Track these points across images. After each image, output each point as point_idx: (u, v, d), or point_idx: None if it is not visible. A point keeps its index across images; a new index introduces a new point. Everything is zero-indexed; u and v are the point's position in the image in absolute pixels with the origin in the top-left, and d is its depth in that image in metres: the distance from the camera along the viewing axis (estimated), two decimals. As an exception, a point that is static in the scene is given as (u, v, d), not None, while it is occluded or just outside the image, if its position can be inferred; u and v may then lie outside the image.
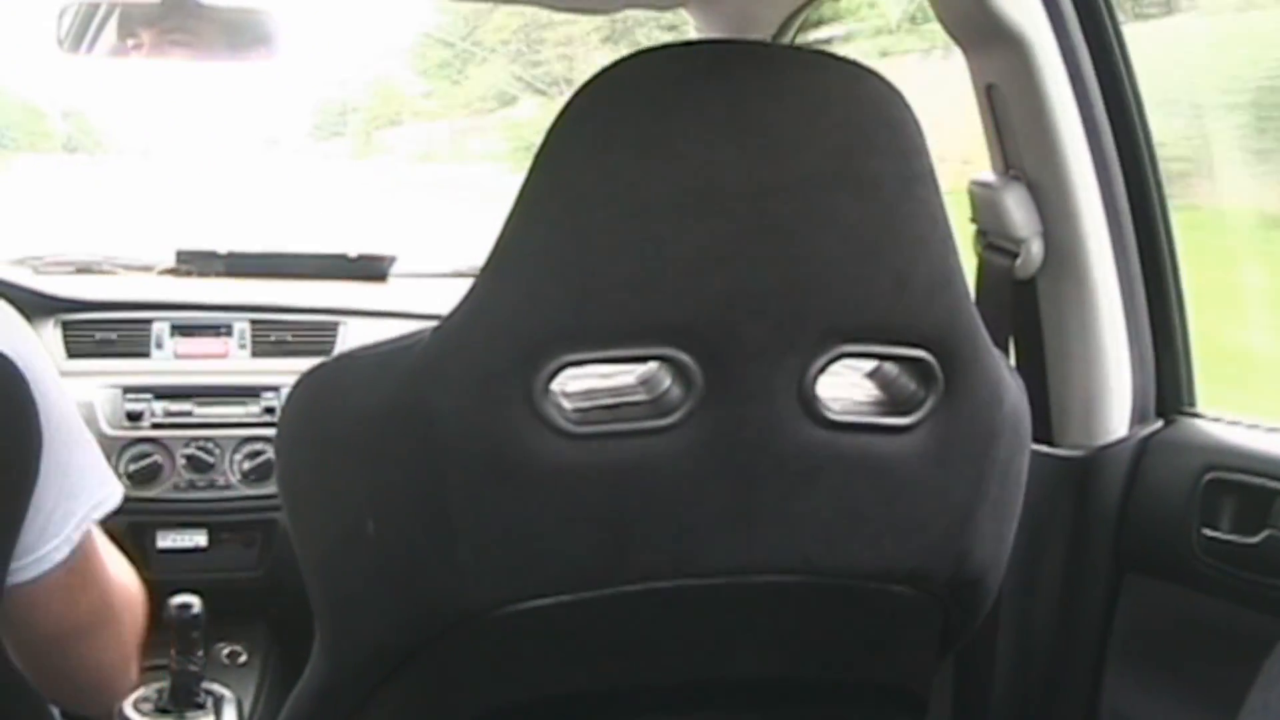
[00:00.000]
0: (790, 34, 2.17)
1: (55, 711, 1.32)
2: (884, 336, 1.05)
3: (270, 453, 2.15)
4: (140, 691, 2.12)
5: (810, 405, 1.03)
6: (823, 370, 1.03)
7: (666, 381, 1.05)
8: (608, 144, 0.99)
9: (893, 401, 1.10)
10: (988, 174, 1.58)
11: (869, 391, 1.12)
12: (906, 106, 1.03)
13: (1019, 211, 1.52)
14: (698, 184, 0.98)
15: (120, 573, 1.30)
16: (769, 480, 1.06)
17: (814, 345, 1.02)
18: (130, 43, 1.98)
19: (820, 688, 1.22)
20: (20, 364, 1.05)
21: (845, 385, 1.11)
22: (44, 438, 1.08)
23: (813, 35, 2.53)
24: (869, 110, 1.02)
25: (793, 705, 1.21)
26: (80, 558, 1.17)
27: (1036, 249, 1.53)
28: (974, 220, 1.59)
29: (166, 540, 2.23)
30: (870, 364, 1.13)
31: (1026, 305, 1.57)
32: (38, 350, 1.15)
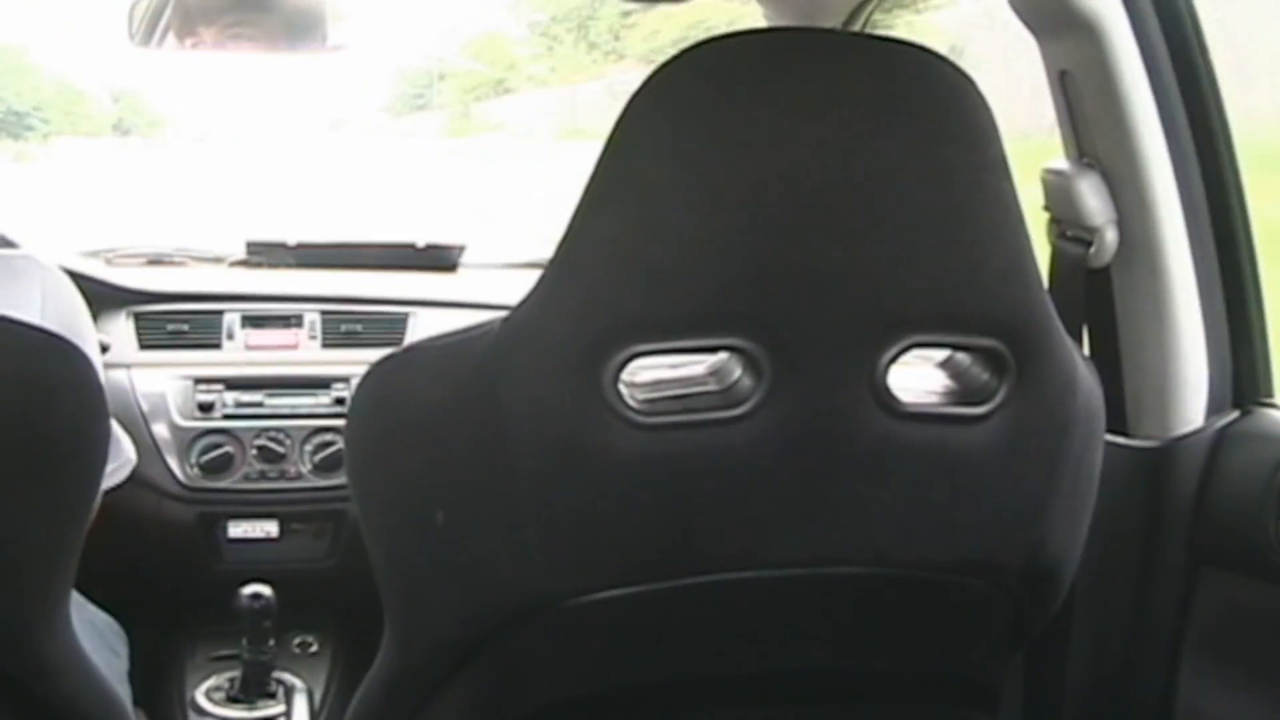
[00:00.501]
0: (861, 21, 2.15)
1: (125, 696, 1.33)
2: (956, 326, 1.04)
3: (340, 443, 2.17)
4: (212, 680, 2.15)
5: (881, 395, 1.03)
6: (894, 360, 1.02)
7: (736, 372, 1.04)
8: (677, 134, 0.98)
9: (965, 391, 1.09)
10: (1061, 161, 1.56)
11: (940, 381, 1.12)
12: (978, 94, 1.02)
13: (1093, 199, 1.50)
14: (768, 173, 0.97)
15: None
16: (839, 471, 1.06)
17: (885, 335, 1.01)
18: (194, 38, 2.00)
19: (889, 680, 1.22)
20: (87, 349, 1.06)
21: (916, 375, 1.11)
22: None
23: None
24: (940, 98, 1.01)
25: (861, 698, 1.21)
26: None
27: (1111, 237, 1.50)
28: (1047, 208, 1.57)
29: (237, 530, 2.25)
30: (942, 353, 1.13)
31: (1100, 294, 1.55)
32: (93, 337, 1.17)
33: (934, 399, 1.09)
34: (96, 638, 1.35)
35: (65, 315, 1.22)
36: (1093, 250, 1.51)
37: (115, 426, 1.23)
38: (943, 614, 1.17)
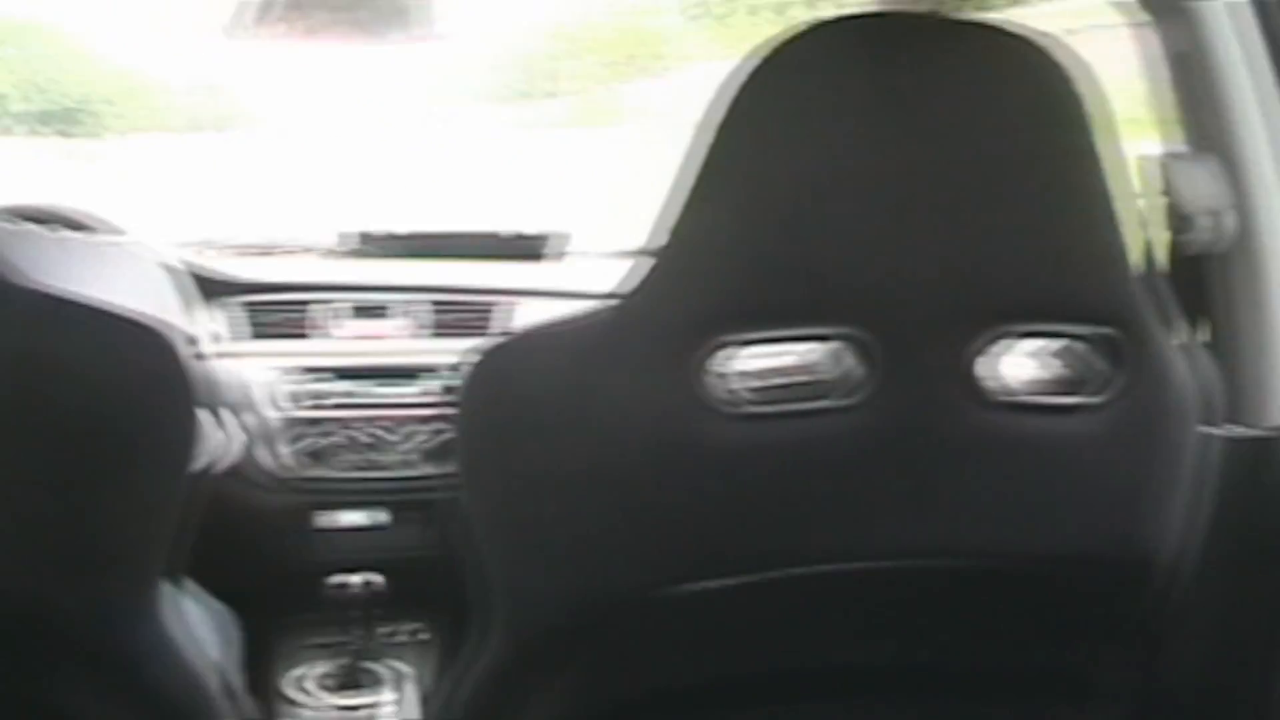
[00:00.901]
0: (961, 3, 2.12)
1: (229, 681, 1.34)
2: (1052, 314, 1.03)
3: (447, 432, 2.17)
4: (321, 668, 2.16)
5: (980, 386, 1.02)
6: (988, 349, 1.01)
7: (837, 362, 1.04)
8: (777, 122, 0.98)
9: (1065, 381, 1.08)
10: (1173, 145, 1.52)
11: (1044, 371, 1.10)
12: (1073, 79, 1.01)
13: (1206, 185, 1.46)
14: (867, 161, 0.97)
15: None
16: (939, 462, 1.05)
17: (981, 324, 1.00)
18: (293, 26, 2.00)
19: (989, 673, 1.21)
20: (173, 337, 1.06)
21: (1018, 364, 1.09)
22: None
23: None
24: (1036, 84, 1.00)
25: (959, 690, 1.20)
26: None
27: (1224, 223, 1.46)
28: (1148, 194, 1.53)
29: (344, 519, 2.26)
30: (1054, 342, 1.11)
31: (1204, 281, 1.51)
32: (183, 327, 1.18)
33: (1035, 389, 1.07)
34: (208, 626, 1.36)
35: (153, 303, 1.22)
36: (1202, 236, 1.47)
37: (223, 413, 1.23)
38: (1043, 607, 1.17)
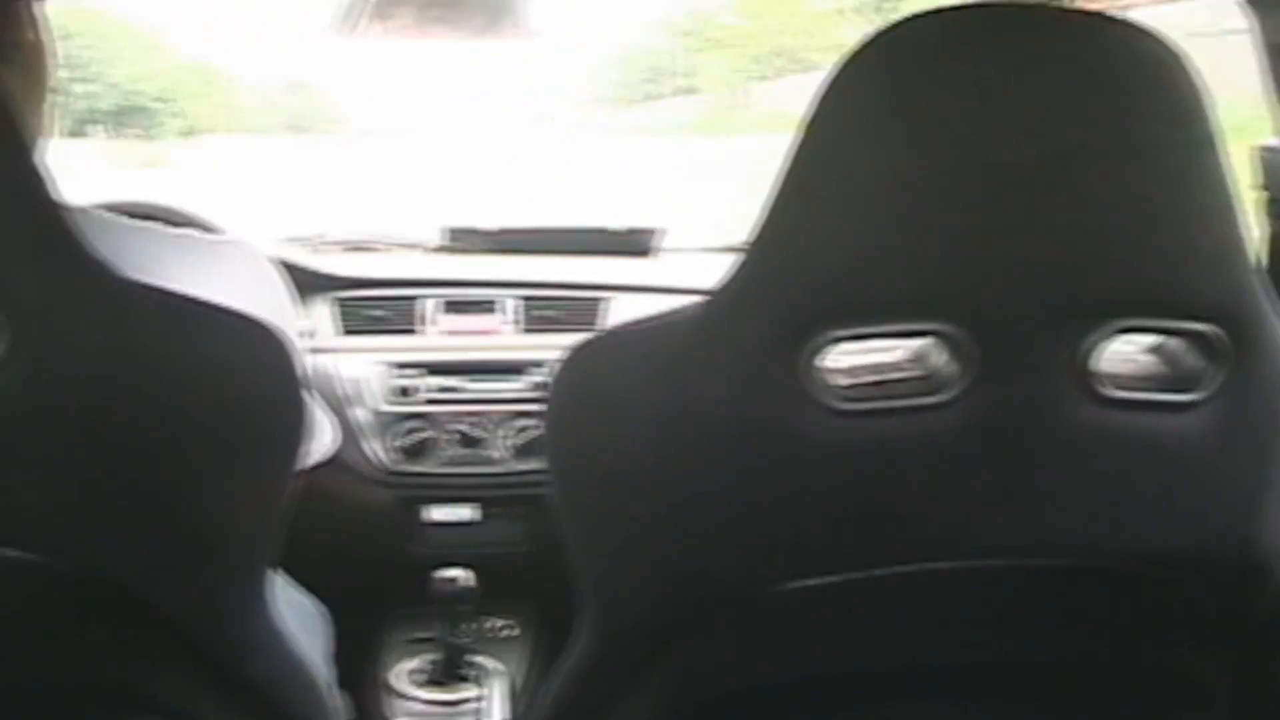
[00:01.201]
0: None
1: (328, 676, 1.35)
2: (1165, 310, 1.00)
3: (539, 428, 2.18)
4: (411, 663, 2.17)
5: (1086, 382, 1.00)
6: (1099, 345, 0.99)
7: (937, 357, 1.02)
8: (877, 115, 0.97)
9: (1173, 378, 1.05)
10: (1272, 139, 1.49)
11: (1149, 367, 1.08)
12: (1188, 69, 0.98)
13: None
14: (970, 154, 0.95)
15: None
16: (1042, 460, 1.03)
17: (1091, 320, 0.98)
18: (392, 23, 2.01)
19: (1092, 674, 1.18)
20: (286, 333, 1.08)
21: (1123, 361, 1.07)
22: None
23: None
24: (1148, 73, 0.98)
25: (1061, 691, 1.18)
26: None
27: None
28: (1265, 187, 1.50)
29: (437, 514, 2.28)
30: (1151, 338, 1.09)
31: None
32: (294, 323, 1.19)
33: (1141, 386, 1.05)
34: (301, 620, 1.37)
35: (267, 300, 1.24)
36: None
37: (317, 409, 1.25)
38: (1148, 607, 1.14)
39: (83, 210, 1.08)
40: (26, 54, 1.16)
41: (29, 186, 0.98)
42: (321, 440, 1.34)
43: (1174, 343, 1.07)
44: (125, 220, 1.18)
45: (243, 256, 1.32)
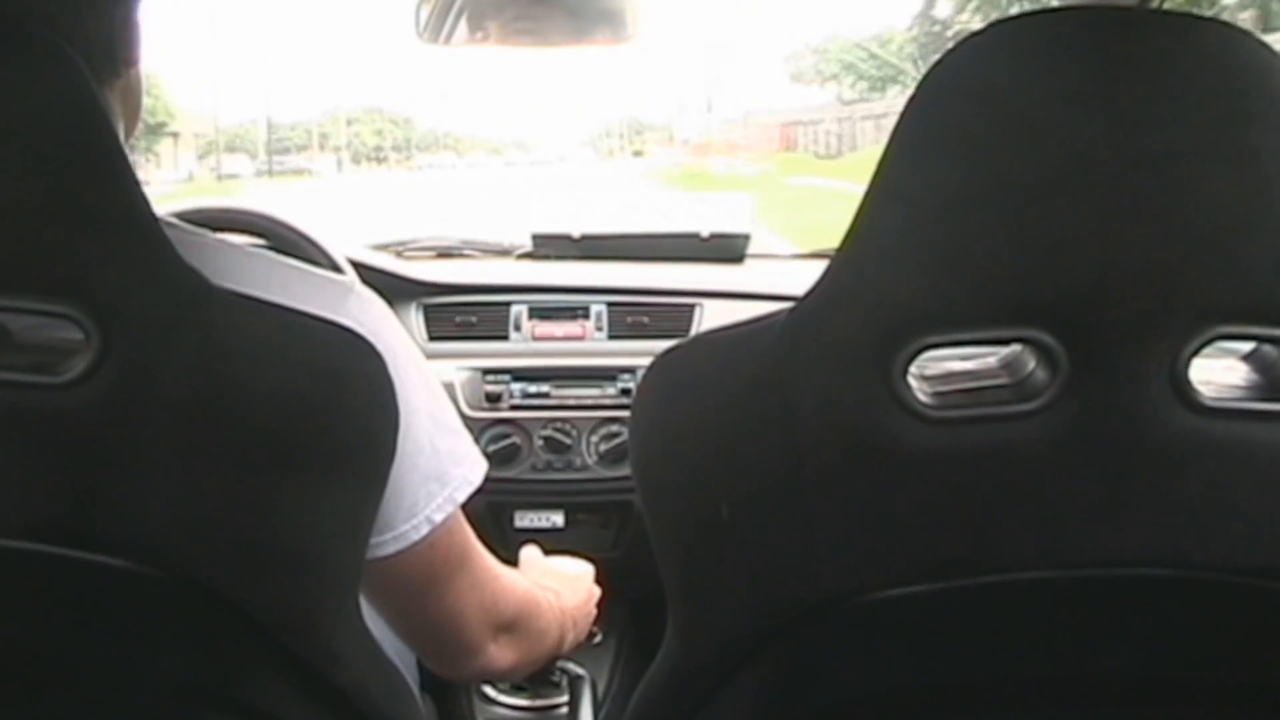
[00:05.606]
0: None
1: (413, 682, 1.35)
2: (1264, 317, 0.97)
3: (626, 435, 2.17)
4: None
5: (1182, 390, 0.97)
6: (1196, 353, 0.96)
7: (1030, 365, 1.01)
8: (969, 119, 0.95)
9: (1272, 386, 1.03)
10: None
11: (1245, 375, 1.06)
12: None
13: None
14: (1064, 159, 0.93)
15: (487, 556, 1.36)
16: (1138, 468, 1.00)
17: (1187, 327, 0.95)
18: (482, 32, 2.01)
19: (1190, 688, 1.16)
20: (380, 345, 1.07)
21: (1218, 369, 1.05)
22: (401, 418, 1.10)
23: None
24: (1245, 77, 0.95)
25: (1158, 705, 1.15)
26: (441, 534, 1.22)
27: None
28: None
29: (524, 520, 2.28)
30: (1245, 346, 1.06)
31: None
32: (397, 331, 1.19)
33: (1238, 394, 1.03)
34: (386, 625, 1.37)
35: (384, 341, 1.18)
36: None
37: (464, 437, 1.26)
38: (1248, 620, 1.11)
39: (192, 232, 1.10)
40: (131, 79, 1.18)
41: (127, 199, 0.99)
42: (473, 470, 1.30)
43: (1269, 350, 1.05)
44: (230, 242, 1.20)
45: (365, 307, 1.22)
